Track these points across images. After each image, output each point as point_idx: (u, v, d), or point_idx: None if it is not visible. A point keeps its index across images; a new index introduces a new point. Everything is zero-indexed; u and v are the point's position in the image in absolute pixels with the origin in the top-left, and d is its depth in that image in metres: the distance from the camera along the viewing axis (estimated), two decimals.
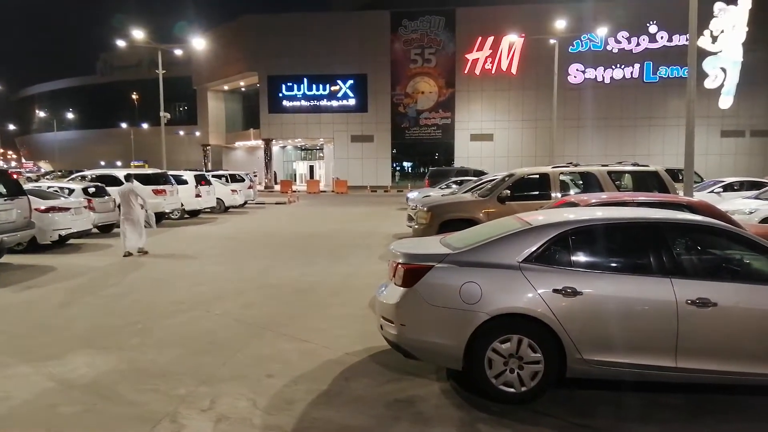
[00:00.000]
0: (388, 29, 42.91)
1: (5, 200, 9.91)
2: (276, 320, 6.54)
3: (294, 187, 40.38)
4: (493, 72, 41.75)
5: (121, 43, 32.61)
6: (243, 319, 6.61)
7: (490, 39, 41.24)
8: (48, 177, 42.30)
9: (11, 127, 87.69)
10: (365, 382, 4.61)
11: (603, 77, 41.11)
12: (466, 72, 42.18)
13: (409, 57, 43.01)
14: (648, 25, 40.10)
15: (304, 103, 44.54)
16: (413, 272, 4.29)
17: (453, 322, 4.12)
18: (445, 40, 42.57)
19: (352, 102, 44.08)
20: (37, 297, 7.87)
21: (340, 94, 44.07)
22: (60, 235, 11.97)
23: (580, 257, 4.30)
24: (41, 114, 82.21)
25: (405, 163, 45.85)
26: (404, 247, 4.70)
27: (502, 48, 41.30)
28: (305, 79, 44.02)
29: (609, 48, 40.59)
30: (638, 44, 40.55)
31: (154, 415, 4.03)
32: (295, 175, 52.45)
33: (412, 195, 23.17)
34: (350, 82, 43.71)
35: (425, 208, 10.75)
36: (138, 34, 27.75)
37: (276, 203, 28.23)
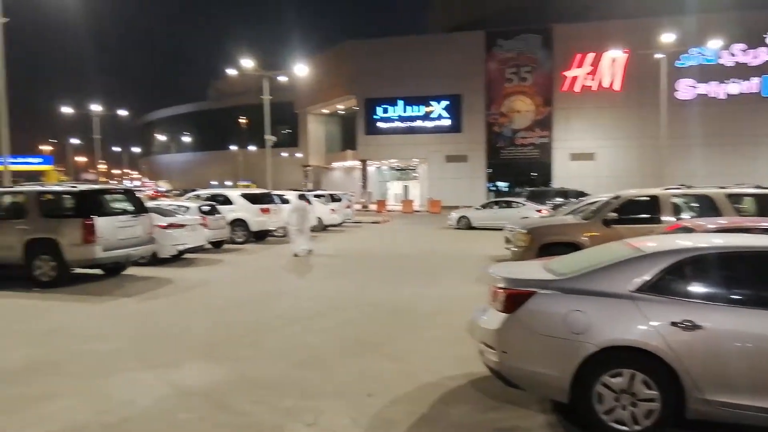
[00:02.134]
0: (483, 49, 42.73)
1: (132, 217, 10.92)
2: (374, 339, 6.65)
3: (388, 207, 40.94)
4: (594, 89, 40.24)
5: (231, 71, 35.11)
6: (343, 335, 6.79)
7: (590, 55, 39.90)
8: (167, 196, 45.74)
9: (135, 149, 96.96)
10: (465, 409, 4.56)
11: (716, 92, 38.27)
12: (564, 89, 40.97)
13: (504, 76, 42.52)
14: (765, 36, 36.96)
15: (399, 124, 45.31)
16: (515, 298, 4.19)
17: (558, 351, 3.97)
18: (542, 57, 41.68)
19: (446, 122, 44.22)
20: (157, 307, 8.55)
21: (434, 115, 44.41)
22: (178, 250, 12.93)
23: (700, 288, 4.01)
24: (161, 137, 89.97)
25: (500, 183, 45.02)
26: (505, 271, 4.58)
27: (603, 64, 39.78)
28: (400, 101, 44.82)
29: (722, 61, 37.79)
30: (755, 57, 37.42)
31: (262, 426, 4.24)
32: (390, 194, 53.24)
33: (453, 214, 23.61)
34: (445, 102, 43.93)
35: (525, 230, 10.50)
36: (246, 63, 29.64)
37: (372, 222, 28.77)
